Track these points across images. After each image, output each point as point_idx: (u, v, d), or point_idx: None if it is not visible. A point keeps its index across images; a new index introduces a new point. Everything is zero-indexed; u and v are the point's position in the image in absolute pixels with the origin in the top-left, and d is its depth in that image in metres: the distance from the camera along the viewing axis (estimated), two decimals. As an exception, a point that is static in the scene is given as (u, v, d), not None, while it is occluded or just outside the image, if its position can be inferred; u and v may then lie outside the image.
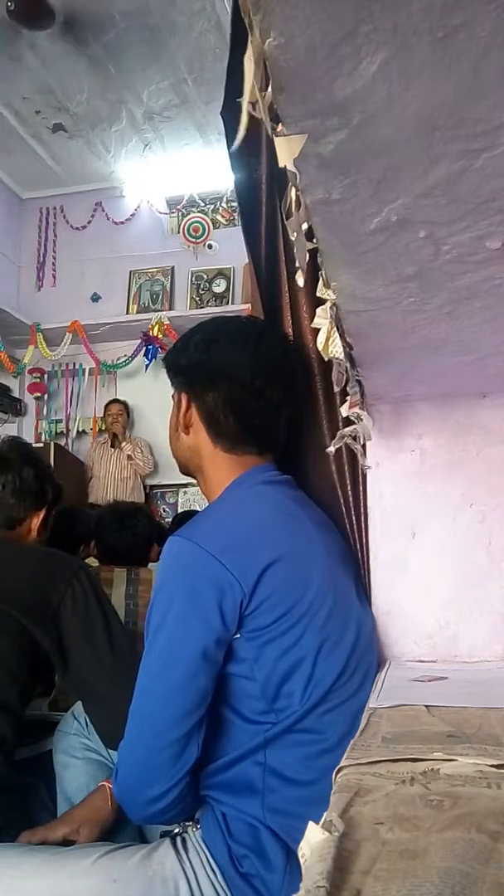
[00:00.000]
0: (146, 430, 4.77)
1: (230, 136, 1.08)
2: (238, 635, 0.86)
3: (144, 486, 4.70)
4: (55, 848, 0.96)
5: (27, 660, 1.13)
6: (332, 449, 0.96)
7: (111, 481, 4.52)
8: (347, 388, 0.90)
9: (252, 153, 1.08)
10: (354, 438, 0.95)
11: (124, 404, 4.70)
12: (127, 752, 0.88)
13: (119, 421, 4.59)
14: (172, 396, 1.06)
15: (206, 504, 1.02)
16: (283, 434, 1.03)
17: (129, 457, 4.53)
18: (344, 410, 0.94)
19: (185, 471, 1.08)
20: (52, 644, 1.13)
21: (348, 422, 0.99)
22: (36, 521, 1.33)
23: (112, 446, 4.57)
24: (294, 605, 0.87)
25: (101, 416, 4.75)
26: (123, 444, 4.55)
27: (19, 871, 0.89)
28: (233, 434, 0.99)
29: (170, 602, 0.86)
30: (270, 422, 1.00)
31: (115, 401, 4.72)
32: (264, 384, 0.98)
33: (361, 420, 0.90)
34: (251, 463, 1.00)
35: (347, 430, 0.92)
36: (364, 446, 1.01)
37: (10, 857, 0.91)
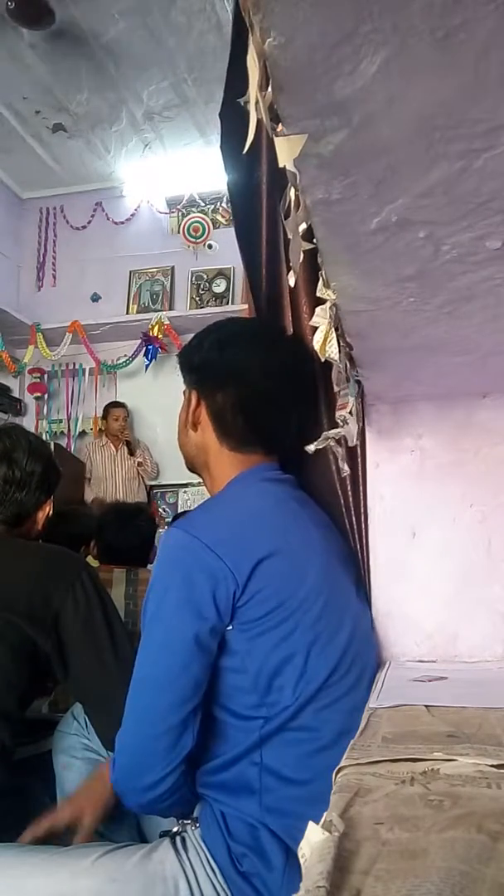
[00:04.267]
0: (146, 430, 4.77)
1: (226, 137, 1.08)
2: (231, 626, 0.87)
3: (146, 486, 4.72)
4: (55, 848, 0.96)
5: (28, 666, 1.11)
6: (311, 448, 0.92)
7: (122, 485, 4.52)
8: (337, 390, 0.90)
9: (251, 153, 1.08)
10: (339, 442, 0.93)
11: (125, 407, 4.67)
12: (123, 740, 0.88)
13: (126, 427, 4.58)
14: (183, 393, 1.07)
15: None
16: (292, 436, 1.03)
17: (139, 463, 4.54)
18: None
19: (192, 467, 1.08)
20: (53, 648, 1.12)
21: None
22: (42, 515, 1.33)
23: (130, 454, 4.56)
24: (286, 599, 0.87)
25: (102, 417, 4.69)
26: (137, 451, 4.56)
27: (19, 870, 0.89)
28: (240, 434, 1.00)
29: (165, 592, 0.87)
30: (278, 424, 1.01)
31: (118, 404, 4.65)
32: (275, 387, 0.99)
33: (347, 424, 0.88)
34: (256, 462, 1.00)
35: (332, 432, 0.90)
36: (355, 448, 1.00)
37: (10, 857, 0.91)
